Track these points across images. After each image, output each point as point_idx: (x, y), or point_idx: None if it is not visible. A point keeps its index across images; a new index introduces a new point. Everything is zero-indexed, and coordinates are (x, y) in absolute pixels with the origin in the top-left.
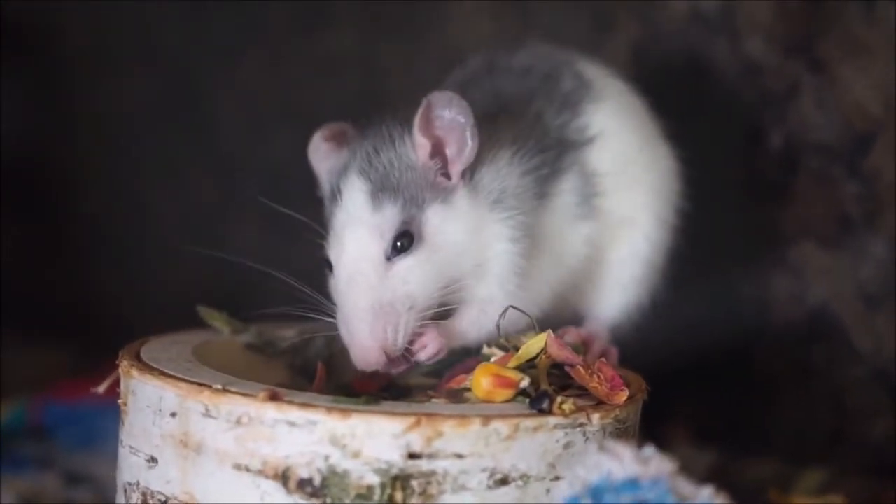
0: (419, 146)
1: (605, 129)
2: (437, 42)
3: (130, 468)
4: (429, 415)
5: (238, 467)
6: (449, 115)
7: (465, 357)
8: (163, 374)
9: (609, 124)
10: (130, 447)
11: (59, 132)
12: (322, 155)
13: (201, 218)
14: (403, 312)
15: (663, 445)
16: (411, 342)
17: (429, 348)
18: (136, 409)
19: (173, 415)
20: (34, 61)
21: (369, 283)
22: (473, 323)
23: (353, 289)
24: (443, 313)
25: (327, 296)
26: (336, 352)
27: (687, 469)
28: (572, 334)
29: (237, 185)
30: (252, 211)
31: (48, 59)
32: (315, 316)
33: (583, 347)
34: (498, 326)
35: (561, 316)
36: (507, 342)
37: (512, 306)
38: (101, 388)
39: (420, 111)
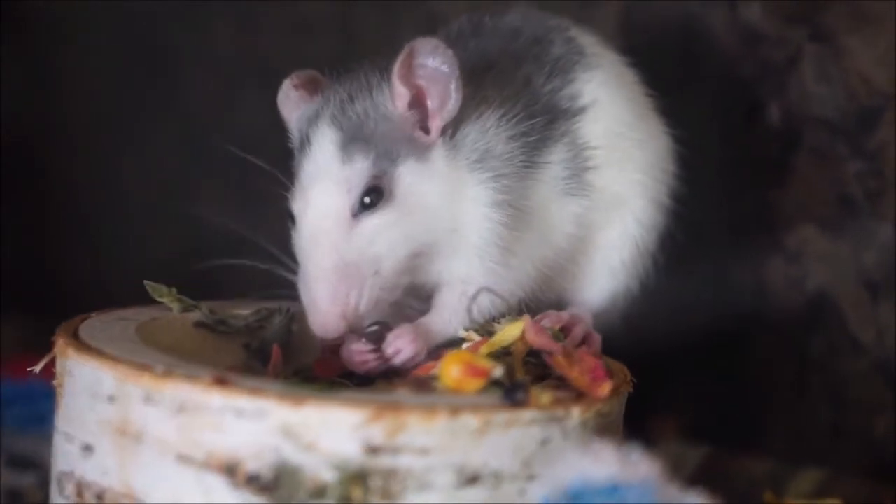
0: (398, 95)
1: (598, 98)
2: (416, 7)
3: (65, 456)
4: (391, 405)
5: (181, 459)
6: (432, 64)
7: None
8: (101, 354)
9: (602, 94)
10: (66, 433)
11: (23, 103)
12: (293, 103)
13: (171, 188)
14: (368, 276)
15: (651, 440)
16: (383, 341)
17: (404, 353)
18: (71, 391)
19: (111, 399)
20: None
21: (332, 242)
22: (455, 313)
23: (316, 247)
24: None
25: (293, 258)
26: (296, 332)
27: (676, 466)
28: (551, 318)
29: (208, 154)
30: (221, 180)
31: (6, 24)
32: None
33: (562, 334)
34: (468, 311)
35: (543, 301)
36: (484, 327)
37: (486, 289)
38: (38, 368)
39: (401, 57)
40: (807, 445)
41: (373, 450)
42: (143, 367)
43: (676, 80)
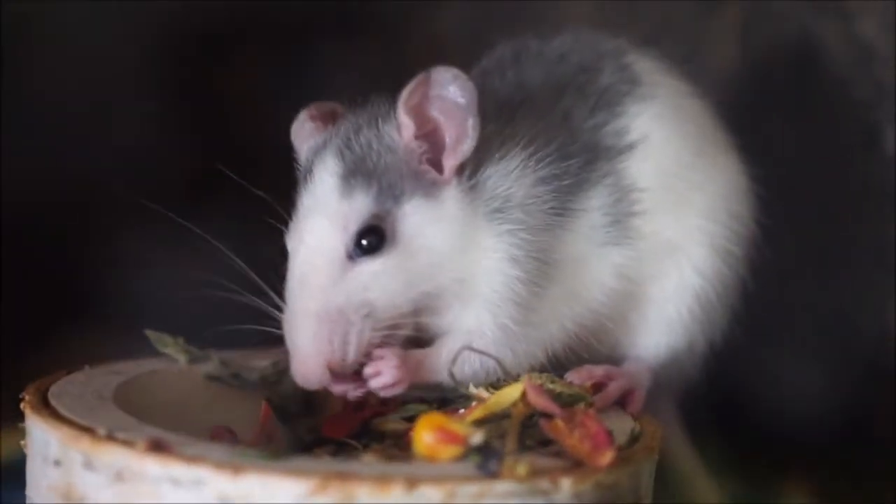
0: (402, 126)
1: (650, 134)
2: (551, 22)
3: None
4: (339, 475)
5: None
6: (450, 96)
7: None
8: (53, 413)
9: (655, 129)
10: (28, 497)
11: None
12: (306, 133)
13: None
14: (357, 321)
15: (777, 500)
16: (365, 363)
17: (382, 377)
18: (31, 453)
19: (57, 463)
20: None
21: (321, 284)
22: (454, 358)
23: (303, 289)
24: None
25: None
26: None
27: None
28: (581, 374)
29: None
30: None
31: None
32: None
33: (588, 393)
34: (452, 374)
35: (585, 358)
36: (496, 385)
37: (469, 348)
38: None
39: (412, 85)
40: None
41: None
42: (84, 430)
43: (790, 102)
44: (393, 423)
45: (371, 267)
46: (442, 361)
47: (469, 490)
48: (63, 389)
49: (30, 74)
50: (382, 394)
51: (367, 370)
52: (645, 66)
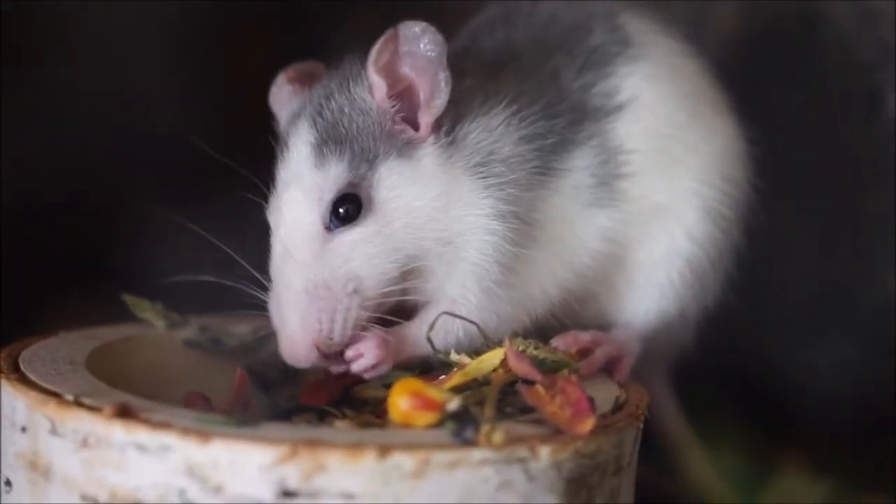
0: (374, 86)
1: (640, 95)
2: None
3: None
4: (308, 442)
5: (85, 498)
6: (420, 51)
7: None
8: (20, 379)
9: (646, 90)
10: None
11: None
12: (284, 98)
13: None
14: (343, 297)
15: (776, 472)
16: (348, 344)
17: (364, 359)
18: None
19: (24, 430)
20: None
21: (303, 260)
22: (437, 329)
23: (287, 266)
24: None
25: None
26: None
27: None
28: (567, 339)
29: None
30: None
31: None
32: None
33: (572, 359)
34: (429, 340)
35: (572, 324)
36: (478, 352)
37: (447, 313)
38: None
39: (380, 43)
40: None
41: (287, 493)
42: (51, 395)
43: (792, 65)
44: (373, 390)
45: (350, 236)
46: (423, 334)
47: (443, 458)
48: (34, 354)
49: (38, 60)
50: (366, 375)
51: (349, 353)
52: (638, 26)
